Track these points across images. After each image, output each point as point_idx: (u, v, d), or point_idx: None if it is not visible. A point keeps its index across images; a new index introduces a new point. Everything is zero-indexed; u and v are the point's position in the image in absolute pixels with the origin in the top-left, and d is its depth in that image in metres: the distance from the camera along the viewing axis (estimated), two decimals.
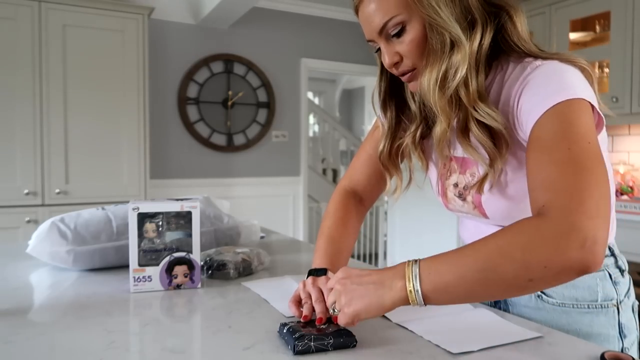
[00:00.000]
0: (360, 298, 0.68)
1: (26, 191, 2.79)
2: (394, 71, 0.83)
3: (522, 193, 0.77)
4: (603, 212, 0.61)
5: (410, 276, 0.66)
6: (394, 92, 0.92)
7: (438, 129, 0.80)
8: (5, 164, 2.75)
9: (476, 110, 0.76)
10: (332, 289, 0.73)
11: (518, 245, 0.62)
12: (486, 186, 0.82)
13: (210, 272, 1.08)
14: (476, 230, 0.92)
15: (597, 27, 2.91)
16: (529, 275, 0.61)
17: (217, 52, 3.83)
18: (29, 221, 2.78)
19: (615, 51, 2.67)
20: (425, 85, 0.78)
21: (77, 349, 0.68)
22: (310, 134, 6.79)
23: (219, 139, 3.89)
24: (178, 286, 0.98)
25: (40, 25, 2.80)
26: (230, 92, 3.90)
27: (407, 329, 0.75)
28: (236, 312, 0.84)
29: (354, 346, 0.68)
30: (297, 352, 0.66)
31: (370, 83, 8.39)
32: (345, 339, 0.68)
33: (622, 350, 0.84)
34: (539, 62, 0.76)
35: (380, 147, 0.93)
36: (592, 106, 0.71)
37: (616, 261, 0.88)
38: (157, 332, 0.76)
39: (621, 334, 0.84)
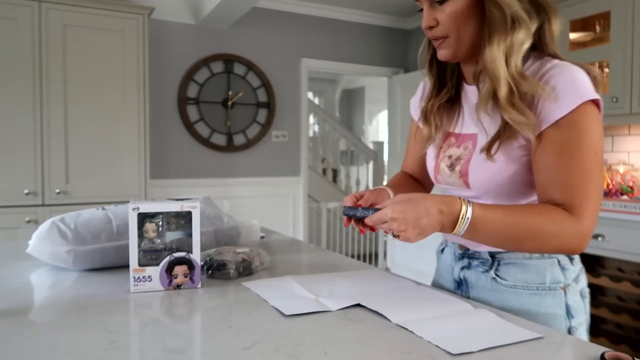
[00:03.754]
0: (412, 229, 0.81)
1: (26, 191, 2.79)
2: (428, 33, 0.92)
3: (504, 166, 0.90)
4: (597, 213, 0.84)
5: (466, 214, 0.81)
6: (436, 58, 1.00)
7: (502, 91, 0.85)
8: (5, 164, 2.75)
9: (511, 102, 0.85)
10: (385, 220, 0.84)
11: (545, 233, 0.82)
12: (478, 156, 0.93)
13: (210, 272, 1.08)
14: None
15: (597, 27, 2.91)
16: (539, 251, 0.88)
17: (217, 52, 3.83)
18: (29, 221, 2.79)
19: (615, 51, 2.67)
20: (490, 57, 0.85)
21: (77, 349, 0.68)
22: (310, 134, 6.79)
23: (219, 139, 3.89)
24: (178, 286, 0.98)
25: (40, 25, 2.81)
26: (230, 92, 3.90)
27: (407, 329, 0.75)
28: (236, 312, 0.84)
29: None
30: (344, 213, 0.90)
31: (370, 83, 8.40)
32: None
33: (569, 330, 0.94)
34: (556, 61, 0.87)
35: (424, 104, 1.05)
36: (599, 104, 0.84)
37: None
38: (157, 332, 0.76)
39: (568, 314, 0.94)
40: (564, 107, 0.81)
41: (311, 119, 6.99)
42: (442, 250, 1.12)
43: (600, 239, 2.53)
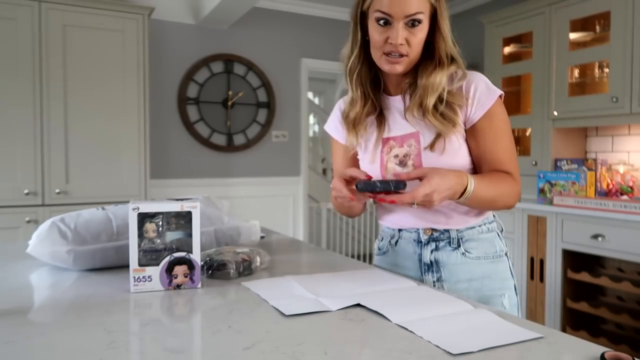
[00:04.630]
0: (441, 199, 0.97)
1: (26, 191, 2.79)
2: (390, 48, 1.05)
3: (453, 154, 1.09)
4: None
5: (469, 187, 1.00)
6: (363, 70, 1.16)
7: (431, 101, 1.08)
8: (5, 164, 2.76)
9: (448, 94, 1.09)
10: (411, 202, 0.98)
11: (508, 194, 1.08)
12: (424, 150, 1.11)
13: (210, 272, 1.08)
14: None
15: (597, 27, 2.91)
16: (501, 207, 1.09)
17: (217, 52, 3.83)
18: (29, 221, 2.79)
19: (615, 51, 2.67)
20: (439, 79, 1.07)
21: (77, 349, 0.68)
22: (310, 134, 6.79)
23: (219, 139, 3.89)
24: (178, 286, 0.98)
25: (40, 25, 2.81)
26: (230, 92, 3.90)
27: (407, 329, 0.75)
28: (236, 312, 0.84)
29: (404, 187, 0.97)
30: (360, 189, 0.98)
31: None
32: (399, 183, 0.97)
33: (514, 287, 1.17)
34: (461, 71, 1.11)
35: (352, 112, 1.18)
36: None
37: (498, 224, 1.21)
38: (157, 332, 0.76)
39: (512, 274, 1.18)
40: (487, 104, 1.07)
41: (311, 119, 6.99)
42: (396, 242, 1.21)
43: (600, 239, 2.53)
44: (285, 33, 4.11)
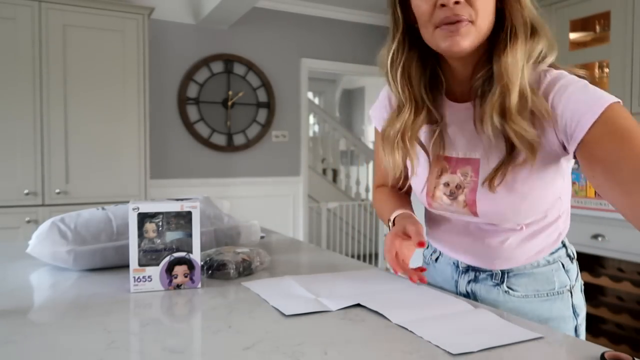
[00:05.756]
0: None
1: (26, 191, 2.79)
2: (444, 13, 0.75)
3: (528, 191, 0.82)
4: None
5: None
6: (412, 66, 0.86)
7: (513, 100, 0.76)
8: (5, 164, 2.75)
9: (515, 115, 0.77)
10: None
11: None
12: (481, 185, 0.85)
13: (210, 272, 1.08)
14: (463, 227, 0.97)
15: (597, 27, 2.91)
16: None
17: (217, 52, 3.83)
18: (29, 221, 2.79)
19: (615, 51, 2.67)
20: (512, 60, 0.76)
21: (77, 349, 0.68)
22: (310, 134, 6.79)
23: (219, 139, 3.89)
24: (178, 286, 0.98)
25: (40, 25, 2.80)
26: (230, 92, 3.90)
27: (407, 329, 0.75)
28: (236, 312, 0.84)
29: None
30: None
31: (370, 83, 8.40)
32: None
33: (575, 329, 0.94)
34: (555, 72, 0.79)
35: (397, 123, 0.88)
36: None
37: (566, 250, 0.95)
38: (157, 332, 0.76)
39: (575, 313, 0.93)
40: (595, 110, 0.72)
41: (311, 119, 7.00)
42: (437, 259, 1.06)
43: (600, 239, 2.53)
44: (285, 33, 4.11)
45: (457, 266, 1.00)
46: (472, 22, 0.76)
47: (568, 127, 0.74)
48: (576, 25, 2.93)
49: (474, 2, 0.75)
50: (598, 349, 0.68)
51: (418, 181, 0.97)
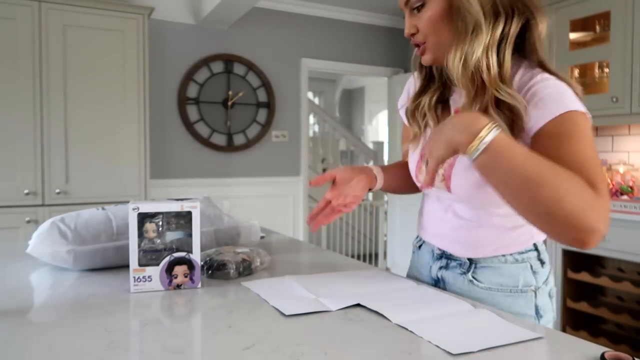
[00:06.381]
0: (436, 146, 0.80)
1: (26, 191, 2.79)
2: (411, 41, 0.95)
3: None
4: (609, 202, 0.78)
5: (489, 131, 0.75)
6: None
7: (460, 102, 0.92)
8: (5, 164, 2.75)
9: (497, 91, 0.85)
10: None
11: (565, 186, 0.72)
12: (461, 162, 0.92)
13: (210, 272, 1.08)
14: (434, 212, 1.06)
15: (597, 27, 2.91)
16: (553, 207, 0.72)
17: (217, 52, 3.83)
18: (29, 221, 2.79)
19: (615, 51, 2.67)
20: (451, 62, 0.88)
21: (77, 349, 0.68)
22: (310, 134, 6.79)
23: (219, 139, 3.89)
24: (178, 286, 0.98)
25: (40, 25, 2.80)
26: (230, 92, 3.90)
27: (407, 329, 0.75)
28: (236, 312, 0.84)
29: None
30: None
31: (370, 83, 8.40)
32: None
33: None
34: (546, 75, 0.86)
35: (410, 103, 1.05)
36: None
37: (538, 255, 0.98)
38: (157, 332, 0.76)
39: (537, 314, 0.96)
40: (554, 111, 0.81)
41: (311, 119, 6.99)
42: (420, 246, 1.12)
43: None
44: (285, 33, 4.11)
45: (433, 253, 1.06)
46: (424, 42, 0.93)
47: (533, 116, 0.83)
48: (576, 25, 2.93)
49: (419, 27, 0.92)
50: (598, 349, 0.68)
51: (412, 159, 1.06)
